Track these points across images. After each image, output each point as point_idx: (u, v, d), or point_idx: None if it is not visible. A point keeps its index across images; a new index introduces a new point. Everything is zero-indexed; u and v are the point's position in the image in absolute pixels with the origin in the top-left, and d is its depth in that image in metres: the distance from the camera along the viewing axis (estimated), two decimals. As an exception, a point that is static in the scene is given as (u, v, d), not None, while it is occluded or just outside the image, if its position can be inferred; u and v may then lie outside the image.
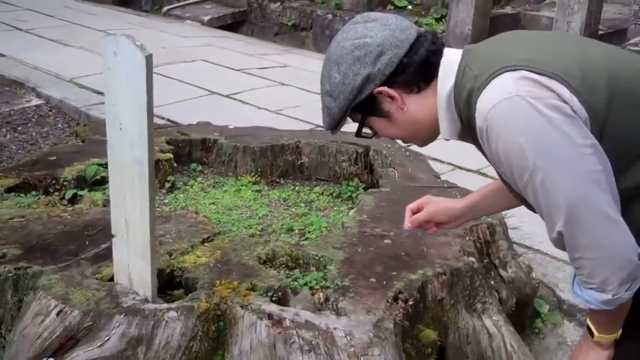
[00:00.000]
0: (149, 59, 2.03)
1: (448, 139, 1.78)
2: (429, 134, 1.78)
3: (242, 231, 3.33)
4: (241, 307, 2.40)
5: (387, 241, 2.90)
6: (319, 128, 5.58)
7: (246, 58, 8.06)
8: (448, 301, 2.65)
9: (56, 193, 3.50)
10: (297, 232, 3.36)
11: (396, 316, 2.40)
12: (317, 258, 2.77)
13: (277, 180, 4.04)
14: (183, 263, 2.67)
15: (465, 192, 3.42)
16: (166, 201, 3.73)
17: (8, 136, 5.86)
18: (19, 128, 6.04)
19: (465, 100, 1.60)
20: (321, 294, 2.56)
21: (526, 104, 1.48)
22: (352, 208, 3.57)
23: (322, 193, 3.90)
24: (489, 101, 1.52)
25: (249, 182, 3.98)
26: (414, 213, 2.26)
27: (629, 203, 1.59)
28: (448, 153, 5.06)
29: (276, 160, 4.01)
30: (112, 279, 2.57)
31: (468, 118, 1.60)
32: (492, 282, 3.02)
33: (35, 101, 6.67)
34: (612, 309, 1.61)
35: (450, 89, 1.63)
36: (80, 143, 4.04)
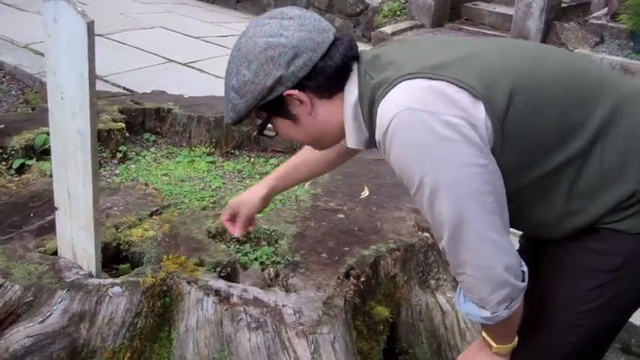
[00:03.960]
0: (91, 26, 1.93)
1: (354, 149, 1.75)
2: (333, 141, 1.75)
3: (194, 203, 3.25)
4: (188, 282, 2.33)
5: (341, 215, 2.85)
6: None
7: (206, 26, 7.92)
8: (401, 277, 2.62)
9: (3, 163, 3.38)
10: (250, 204, 3.28)
11: (347, 293, 2.36)
12: (268, 232, 2.71)
13: (232, 151, 3.96)
14: (130, 237, 2.60)
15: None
16: (117, 171, 3.64)
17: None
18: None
19: (368, 110, 1.55)
20: (272, 270, 2.51)
21: (418, 120, 1.43)
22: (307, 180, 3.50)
23: (277, 165, 3.83)
24: (385, 115, 1.48)
25: (204, 153, 3.90)
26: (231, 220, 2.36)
27: (545, 191, 1.59)
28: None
29: (231, 131, 3.93)
30: (55, 253, 2.49)
31: (372, 128, 1.56)
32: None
33: (-14, 70, 6.48)
34: (500, 323, 1.59)
35: (356, 98, 1.58)
36: (30, 111, 3.92)
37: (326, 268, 2.47)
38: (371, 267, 2.53)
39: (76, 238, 2.35)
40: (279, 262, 2.54)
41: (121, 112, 3.94)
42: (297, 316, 2.21)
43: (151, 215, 2.77)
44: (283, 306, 2.26)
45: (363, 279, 2.48)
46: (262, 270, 2.53)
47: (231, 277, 2.48)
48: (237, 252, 2.63)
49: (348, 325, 2.30)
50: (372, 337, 2.54)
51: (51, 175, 3.16)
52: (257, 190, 2.28)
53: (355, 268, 2.49)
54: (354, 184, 3.10)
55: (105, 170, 3.61)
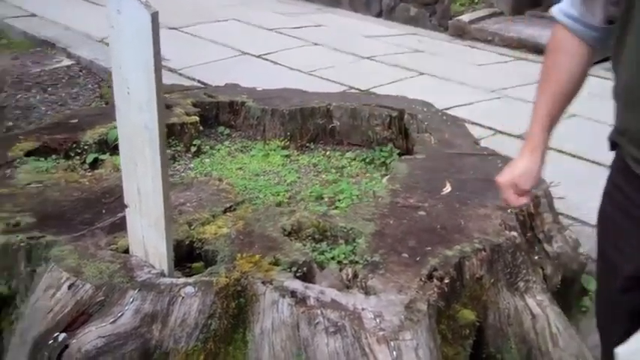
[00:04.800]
0: (155, 17, 1.83)
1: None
2: None
3: (269, 198, 3.16)
4: (263, 283, 2.23)
5: (421, 212, 2.70)
6: (352, 90, 5.37)
7: (279, 18, 7.84)
8: (488, 279, 2.45)
9: (77, 158, 3.35)
10: (326, 199, 3.17)
11: (430, 296, 2.21)
12: (346, 230, 2.58)
13: (307, 145, 3.85)
14: (203, 234, 2.51)
15: (507, 160, 3.19)
16: (192, 166, 3.57)
17: (38, 97, 5.73)
18: (49, 89, 5.92)
19: None
20: (350, 270, 2.38)
21: None
22: (385, 175, 3.37)
23: (354, 159, 3.71)
24: None
25: (278, 147, 3.80)
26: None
27: None
28: (489, 116, 4.82)
29: (306, 124, 3.82)
30: (127, 251, 2.42)
31: None
32: (536, 258, 2.81)
33: (66, 62, 6.55)
34: None
35: None
36: (104, 105, 3.89)
37: (407, 269, 2.33)
38: (455, 268, 2.37)
39: (147, 235, 2.27)
40: (357, 262, 2.41)
41: (194, 105, 3.88)
42: (378, 320, 2.08)
43: (224, 212, 2.68)
44: (362, 309, 2.13)
45: (447, 281, 2.33)
46: (340, 270, 2.40)
47: (307, 277, 2.36)
48: (314, 251, 2.52)
49: (432, 331, 2.15)
50: (458, 342, 2.38)
51: (124, 170, 3.12)
52: (530, 159, 1.93)
53: (438, 269, 2.34)
54: (435, 180, 2.94)
55: (179, 164, 3.56)
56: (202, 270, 2.42)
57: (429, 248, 2.45)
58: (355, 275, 2.37)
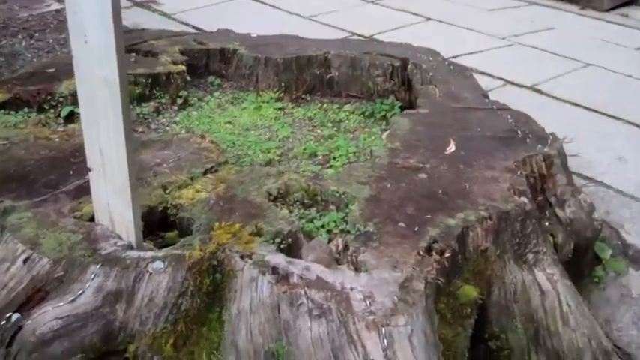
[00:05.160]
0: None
1: None
2: None
3: (259, 156, 2.91)
4: (241, 257, 1.99)
5: (422, 175, 2.44)
6: (355, 37, 5.06)
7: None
8: (493, 251, 2.21)
9: (51, 111, 3.09)
10: (320, 157, 2.93)
11: (429, 273, 1.97)
12: (338, 195, 2.33)
13: (303, 96, 3.57)
14: (180, 199, 2.26)
15: (517, 115, 2.92)
16: (177, 119, 3.31)
17: (24, 43, 5.44)
18: (37, 35, 5.62)
19: None
20: (340, 241, 2.14)
21: None
22: (386, 130, 3.10)
23: (353, 112, 3.44)
24: None
25: (272, 98, 3.53)
26: None
27: None
28: (499, 65, 4.51)
29: (302, 74, 3.54)
30: (93, 218, 2.18)
31: None
32: (547, 224, 2.56)
33: (55, 5, 6.22)
34: None
35: None
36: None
37: (404, 241, 2.08)
38: (457, 240, 2.12)
39: (113, 203, 2.02)
40: (348, 232, 2.16)
41: (182, 53, 3.60)
42: (368, 302, 1.84)
43: (204, 173, 2.42)
44: (351, 289, 1.89)
45: (448, 255, 2.08)
46: (329, 241, 2.16)
47: (292, 249, 2.12)
48: (301, 218, 2.27)
49: (428, 313, 1.91)
50: (457, 322, 2.15)
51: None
52: None
53: (439, 241, 2.09)
54: (439, 137, 2.68)
55: (163, 117, 3.30)
56: (176, 240, 2.18)
57: (429, 216, 2.20)
58: (346, 247, 2.12)
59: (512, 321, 2.25)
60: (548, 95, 4.14)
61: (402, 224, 2.17)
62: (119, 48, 1.68)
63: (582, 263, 2.72)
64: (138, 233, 2.02)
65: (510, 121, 2.83)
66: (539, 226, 2.37)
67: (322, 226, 2.25)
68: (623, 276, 2.73)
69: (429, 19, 5.64)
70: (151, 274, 1.95)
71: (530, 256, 2.31)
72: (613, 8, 5.92)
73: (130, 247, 2.04)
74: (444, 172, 2.45)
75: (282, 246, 2.10)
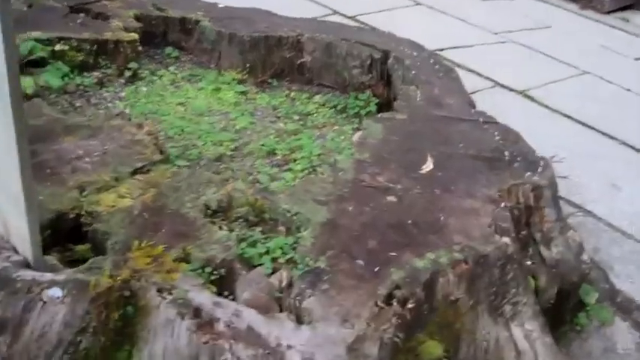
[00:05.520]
0: None
1: None
2: None
3: (209, 148, 2.53)
4: (159, 290, 1.62)
5: (391, 198, 2.08)
6: (336, 16, 4.66)
7: None
8: (466, 301, 1.86)
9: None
10: (280, 157, 2.55)
11: (386, 332, 1.61)
12: (289, 215, 1.97)
13: (269, 81, 3.18)
14: (97, 205, 1.88)
15: (505, 132, 2.56)
16: (123, 94, 2.91)
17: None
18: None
19: None
20: (284, 275, 1.78)
21: None
22: (358, 130, 2.74)
23: (323, 105, 3.06)
24: None
25: (234, 80, 3.13)
26: None
27: None
28: (489, 64, 4.14)
29: (270, 56, 3.15)
30: (-13, 221, 1.79)
31: None
32: (529, 263, 2.21)
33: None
34: None
35: None
36: (25, 9, 3.18)
37: (360, 285, 1.73)
38: (425, 287, 1.77)
39: (7, 210, 1.63)
40: (296, 264, 1.80)
41: (137, 19, 3.19)
42: (307, 369, 1.48)
43: (133, 173, 2.04)
44: (288, 347, 1.53)
45: (411, 306, 1.73)
46: (272, 273, 1.80)
47: (225, 281, 1.75)
48: (242, 240, 1.90)
49: (380, 383, 1.56)
50: (416, 384, 1.80)
51: (31, 97, 2.48)
52: None
53: (402, 288, 1.74)
54: (414, 151, 2.31)
55: (107, 91, 2.90)
56: (89, 255, 1.80)
57: (394, 254, 1.85)
58: (290, 284, 1.76)
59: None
60: (539, 103, 3.79)
61: (360, 261, 1.81)
62: (5, 19, 1.28)
63: (564, 308, 2.39)
64: (35, 250, 1.64)
65: (497, 138, 2.48)
66: (520, 271, 2.02)
67: (266, 252, 1.89)
68: (608, 326, 2.40)
69: (418, 3, 5.25)
70: (45, 303, 1.57)
71: (507, 308, 1.97)
72: (614, 11, 5.57)
73: (25, 264, 1.65)
74: (416, 197, 2.09)
75: (212, 277, 1.73)
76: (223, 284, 1.76)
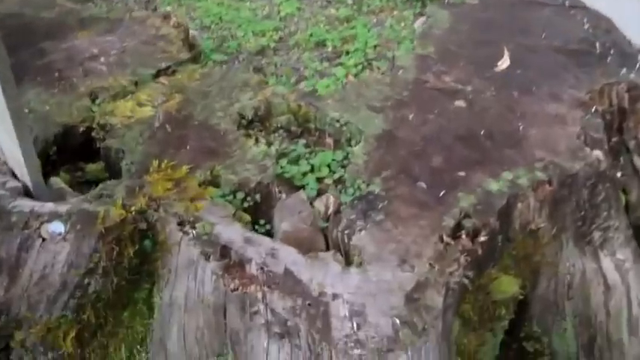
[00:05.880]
0: None
1: None
2: None
3: (249, 39, 2.21)
4: (180, 224, 1.35)
5: (460, 103, 1.75)
6: None
7: None
8: (548, 229, 1.55)
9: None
10: (330, 49, 2.22)
11: (452, 275, 1.32)
12: (338, 124, 1.65)
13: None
14: (111, 117, 1.60)
15: (596, 19, 2.16)
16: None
17: None
18: None
19: None
20: (331, 201, 1.49)
21: None
22: (421, 15, 2.37)
23: (386, -9, 2.66)
24: None
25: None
26: None
27: None
28: None
29: None
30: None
31: None
32: (619, 175, 1.87)
33: None
34: None
35: None
36: None
37: (422, 214, 1.43)
38: (500, 215, 1.46)
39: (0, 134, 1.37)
40: (344, 187, 1.50)
41: None
42: (355, 324, 1.21)
43: (156, 75, 1.74)
44: (334, 297, 1.26)
45: (483, 238, 1.42)
46: (317, 195, 1.51)
47: (261, 208, 1.47)
48: (282, 156, 1.60)
49: (445, 341, 1.29)
50: (485, 327, 1.53)
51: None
52: None
53: (472, 217, 1.43)
54: (488, 44, 1.95)
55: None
56: (102, 175, 1.54)
57: (463, 173, 1.53)
58: (337, 211, 1.47)
59: (561, 322, 1.64)
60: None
61: (421, 184, 1.51)
62: None
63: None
64: (34, 175, 1.38)
65: (587, 26, 2.08)
66: (612, 191, 1.69)
67: (311, 170, 1.59)
68: None
69: None
70: (44, 240, 1.32)
71: (596, 235, 1.65)
72: None
73: (24, 191, 1.40)
74: (490, 101, 1.75)
75: (245, 204, 1.46)
76: (258, 212, 1.48)
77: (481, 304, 1.52)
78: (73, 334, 1.36)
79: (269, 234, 1.47)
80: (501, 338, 1.58)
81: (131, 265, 1.38)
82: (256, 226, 1.46)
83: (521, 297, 1.57)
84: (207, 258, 1.30)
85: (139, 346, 1.43)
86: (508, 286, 1.54)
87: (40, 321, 1.34)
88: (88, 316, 1.36)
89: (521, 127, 1.69)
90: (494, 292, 1.53)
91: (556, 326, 1.64)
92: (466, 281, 1.39)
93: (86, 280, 1.33)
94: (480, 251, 1.45)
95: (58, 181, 1.49)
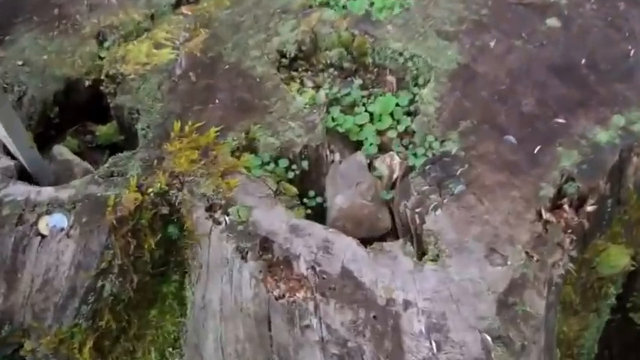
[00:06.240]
0: None
1: None
2: None
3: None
4: (209, 209, 1.08)
5: (553, 21, 1.40)
6: None
7: None
8: (670, 186, 1.23)
9: None
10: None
11: (556, 267, 1.03)
12: (401, 58, 1.33)
13: None
14: (123, 65, 1.30)
15: None
16: None
17: None
18: None
19: None
20: (396, 161, 1.19)
21: None
22: None
23: None
24: None
25: None
26: None
27: None
28: None
29: None
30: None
31: None
32: None
33: None
34: None
35: None
36: None
37: (512, 181, 1.13)
38: (611, 175, 1.15)
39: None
40: (412, 144, 1.21)
41: None
42: (434, 343, 0.95)
43: (176, 6, 1.42)
44: (406, 306, 0.98)
45: (591, 207, 1.12)
46: (376, 155, 1.22)
47: (308, 175, 1.19)
48: (333, 104, 1.29)
49: (548, 352, 1.01)
50: (589, 308, 1.25)
51: None
52: None
53: (576, 180, 1.12)
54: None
55: None
56: (115, 136, 1.27)
57: (562, 120, 1.21)
58: (405, 174, 1.18)
59: (678, 294, 1.33)
60: None
61: (510, 138, 1.19)
62: None
63: None
64: (25, 150, 1.11)
65: None
66: None
67: (370, 120, 1.29)
68: None
69: None
70: (44, 238, 1.07)
71: None
72: None
73: (18, 171, 1.14)
74: (591, 17, 1.39)
75: (291, 174, 1.17)
76: (306, 181, 1.20)
77: (585, 282, 1.24)
78: (90, 344, 1.13)
79: (321, 210, 1.19)
80: (607, 318, 1.31)
81: (154, 258, 1.13)
82: (305, 200, 1.18)
83: (632, 268, 1.27)
84: (244, 256, 1.03)
85: (171, 349, 1.19)
86: (618, 258, 1.25)
87: (49, 331, 1.11)
88: (107, 321, 1.12)
89: (632, 52, 1.34)
90: (602, 267, 1.24)
91: (673, 297, 1.35)
92: (571, 266, 1.10)
93: (100, 283, 1.09)
94: (587, 225, 1.15)
95: (63, 151, 1.22)
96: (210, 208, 1.09)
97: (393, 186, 1.21)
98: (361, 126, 1.28)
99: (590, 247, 1.22)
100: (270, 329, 1.03)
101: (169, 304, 1.19)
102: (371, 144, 1.26)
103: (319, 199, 1.20)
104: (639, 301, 1.37)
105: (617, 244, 1.25)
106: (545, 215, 1.10)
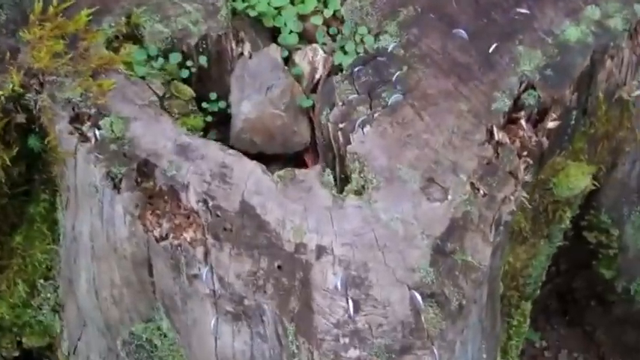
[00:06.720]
0: None
1: None
2: None
3: None
4: (75, 119, 0.85)
5: None
6: None
7: None
8: (642, 94, 1.04)
9: None
10: None
11: (506, 202, 0.84)
12: None
13: None
14: None
15: None
16: None
17: None
18: None
19: None
20: (320, 55, 0.97)
21: None
22: None
23: None
24: None
25: None
26: None
27: None
28: None
29: None
30: None
31: None
32: None
33: None
34: None
35: None
36: None
37: (461, 89, 0.92)
38: (579, 82, 0.94)
39: None
40: (340, 35, 0.97)
41: None
42: (352, 302, 0.76)
43: None
44: (319, 253, 0.79)
45: (553, 123, 0.92)
46: (295, 46, 0.99)
47: (209, 73, 0.96)
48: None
49: (491, 314, 0.84)
50: (539, 234, 1.08)
51: None
52: None
53: (538, 89, 0.91)
54: None
55: None
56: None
57: (524, 10, 0.99)
58: (330, 73, 0.96)
59: (638, 214, 1.17)
60: None
61: (460, 32, 0.96)
62: None
63: None
64: None
65: None
66: None
67: (291, 1, 1.03)
68: None
69: None
70: None
71: None
72: None
73: None
74: None
75: (185, 72, 0.93)
76: (206, 81, 0.96)
77: (536, 204, 1.05)
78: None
79: (226, 117, 0.96)
80: (557, 244, 1.13)
81: (12, 176, 0.90)
82: (204, 104, 0.95)
83: (592, 188, 1.09)
84: (116, 185, 0.81)
85: (42, 280, 0.99)
86: (577, 178, 1.07)
87: None
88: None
89: None
90: (559, 189, 1.06)
91: (631, 217, 1.18)
92: (525, 196, 0.91)
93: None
94: (546, 144, 0.95)
95: None
96: (76, 119, 0.86)
97: (314, 89, 0.98)
98: (278, 8, 1.03)
99: (547, 166, 1.03)
100: (151, 274, 0.83)
101: (38, 228, 0.98)
102: (290, 32, 1.02)
103: (222, 104, 0.97)
104: (596, 220, 1.21)
105: (578, 162, 1.06)
106: (498, 135, 0.89)
